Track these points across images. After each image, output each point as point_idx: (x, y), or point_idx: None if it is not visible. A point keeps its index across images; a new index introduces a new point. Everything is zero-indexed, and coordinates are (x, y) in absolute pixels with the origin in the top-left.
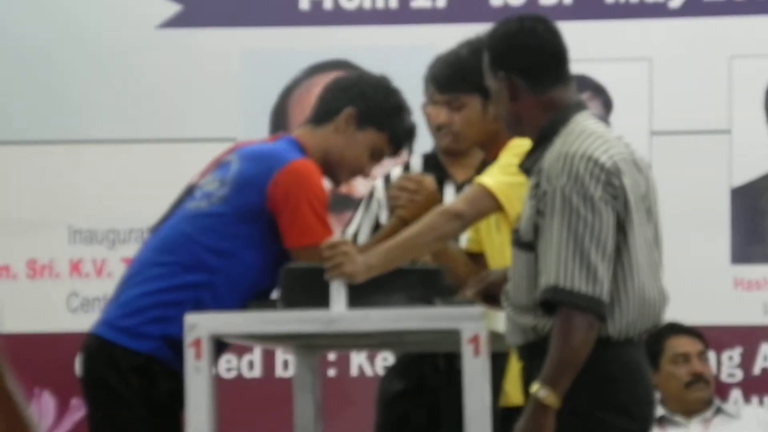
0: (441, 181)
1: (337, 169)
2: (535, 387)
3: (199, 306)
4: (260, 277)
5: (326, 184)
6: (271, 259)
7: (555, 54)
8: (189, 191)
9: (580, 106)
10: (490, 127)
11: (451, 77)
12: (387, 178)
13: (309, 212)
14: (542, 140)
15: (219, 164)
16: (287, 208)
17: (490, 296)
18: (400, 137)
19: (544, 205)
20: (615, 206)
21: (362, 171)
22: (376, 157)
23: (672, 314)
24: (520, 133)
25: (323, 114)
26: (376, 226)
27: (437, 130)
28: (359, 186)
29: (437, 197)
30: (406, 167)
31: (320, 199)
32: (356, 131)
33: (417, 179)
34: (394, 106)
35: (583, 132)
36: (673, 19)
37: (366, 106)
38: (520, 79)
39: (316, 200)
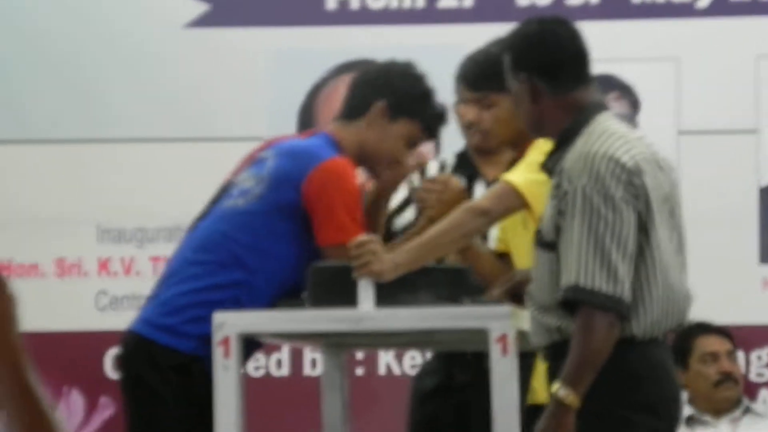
0: (472, 179)
1: (374, 162)
2: (556, 386)
3: (238, 304)
4: (295, 274)
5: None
6: (306, 256)
7: (576, 55)
8: (225, 189)
9: (601, 107)
10: (520, 125)
11: (481, 75)
12: (422, 171)
13: (342, 211)
14: (564, 141)
15: (254, 161)
16: (321, 206)
17: (517, 296)
18: (432, 123)
19: (566, 204)
20: (636, 206)
21: (399, 161)
22: (412, 145)
23: (700, 314)
24: (542, 134)
25: (354, 109)
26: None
27: (467, 128)
28: None
29: (464, 196)
30: (442, 167)
31: (354, 198)
32: (389, 123)
33: (443, 180)
34: (423, 92)
35: (605, 132)
36: (700, 19)
37: (396, 98)
38: (542, 80)
39: (351, 199)
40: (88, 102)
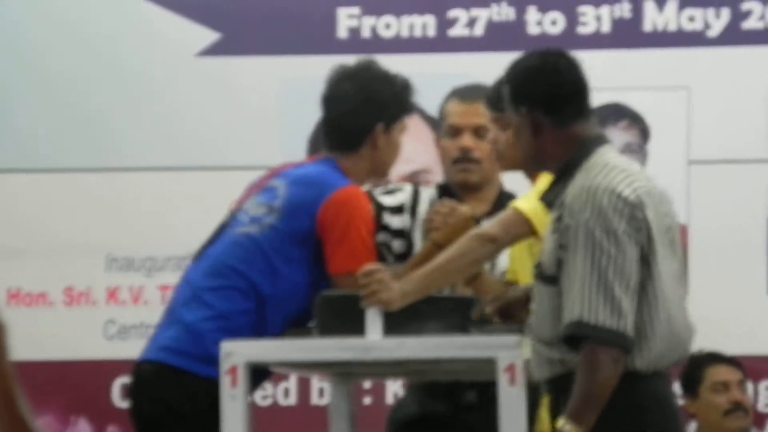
0: None
1: (384, 171)
2: (561, 422)
3: (256, 330)
4: (305, 302)
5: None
6: (316, 284)
7: (576, 89)
8: (232, 216)
9: (602, 140)
10: None
11: (501, 96)
12: (416, 197)
13: (357, 239)
14: (564, 174)
15: (262, 188)
16: (335, 234)
17: (508, 314)
18: (411, 105)
19: (567, 239)
20: (638, 239)
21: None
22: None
23: (708, 343)
24: (543, 168)
25: (355, 139)
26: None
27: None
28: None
29: (471, 224)
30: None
31: (368, 228)
32: (389, 136)
33: (451, 204)
34: (399, 89)
35: (606, 165)
36: (711, 48)
37: (388, 113)
38: (542, 114)
39: (365, 228)
40: (97, 131)
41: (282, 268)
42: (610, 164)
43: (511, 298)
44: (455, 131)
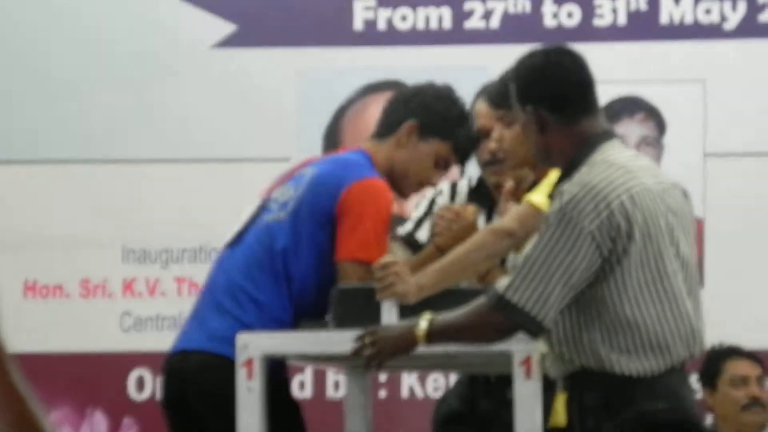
0: (491, 211)
1: (402, 181)
2: (425, 321)
3: (296, 320)
4: (323, 288)
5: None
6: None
7: (582, 85)
8: (263, 206)
9: (608, 135)
10: None
11: (503, 93)
12: (454, 187)
13: (371, 229)
14: (569, 170)
15: (291, 177)
16: (350, 219)
17: None
18: (463, 146)
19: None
20: (606, 246)
21: (429, 182)
22: (442, 166)
23: (727, 337)
24: (550, 164)
25: (387, 127)
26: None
27: (484, 165)
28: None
29: (476, 228)
30: (453, 188)
31: (384, 222)
32: (419, 143)
33: (456, 209)
34: (457, 115)
35: (605, 162)
36: (727, 41)
37: (428, 117)
38: (548, 112)
39: (381, 221)
40: (113, 122)
41: (307, 245)
42: (609, 161)
43: None
44: (485, 133)
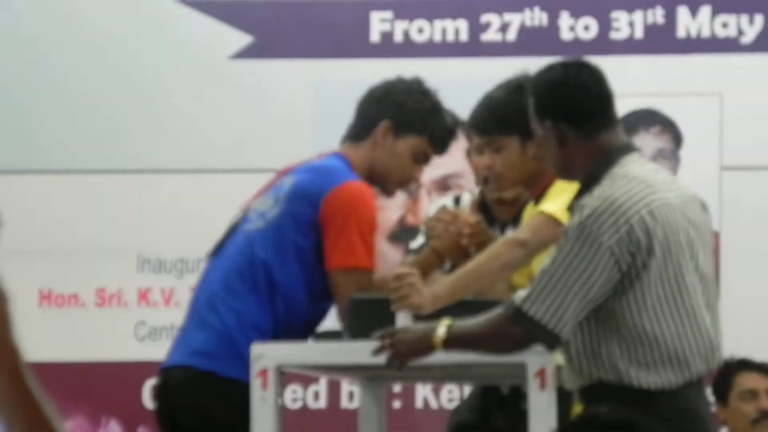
0: (491, 223)
1: (384, 181)
2: (444, 326)
3: (276, 325)
4: (314, 297)
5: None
6: (319, 281)
7: (601, 99)
8: (243, 214)
9: (628, 149)
10: (531, 166)
11: (488, 120)
12: (457, 200)
13: (356, 234)
14: (589, 184)
15: (271, 187)
16: (335, 227)
17: None
18: (440, 137)
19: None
20: (624, 260)
21: (410, 178)
22: (421, 160)
23: (739, 350)
24: (571, 178)
25: (362, 129)
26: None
27: (483, 183)
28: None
29: (480, 231)
30: (457, 200)
31: (369, 225)
32: (395, 141)
33: (453, 212)
34: (429, 107)
35: (625, 176)
36: (744, 54)
37: (401, 115)
38: (568, 126)
39: (366, 225)
40: (129, 133)
41: (292, 254)
42: (630, 175)
43: None
44: (483, 150)
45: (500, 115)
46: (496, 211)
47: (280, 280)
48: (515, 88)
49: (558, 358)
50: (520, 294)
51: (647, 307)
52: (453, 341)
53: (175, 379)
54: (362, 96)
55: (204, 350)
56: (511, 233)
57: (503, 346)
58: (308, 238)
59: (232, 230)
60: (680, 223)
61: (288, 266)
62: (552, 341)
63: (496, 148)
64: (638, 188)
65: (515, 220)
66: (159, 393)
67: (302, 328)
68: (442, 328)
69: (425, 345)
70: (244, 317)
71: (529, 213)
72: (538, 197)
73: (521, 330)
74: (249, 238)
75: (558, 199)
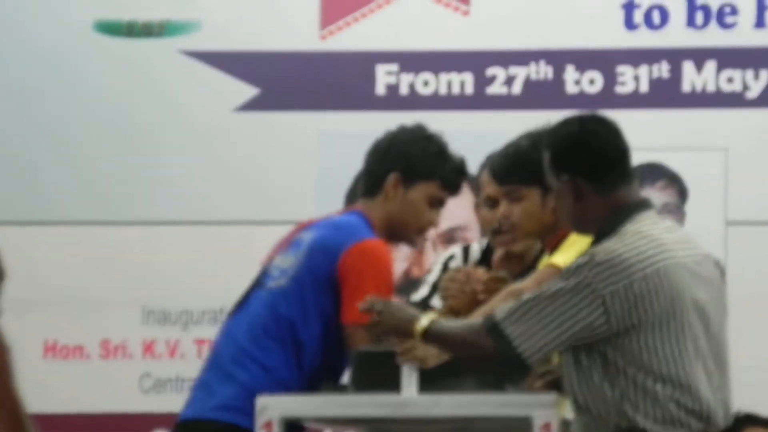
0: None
1: (404, 232)
2: (428, 318)
3: (301, 381)
4: (332, 350)
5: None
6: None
7: (617, 155)
8: (264, 272)
9: (644, 205)
10: (548, 219)
11: (511, 169)
12: (466, 249)
13: (373, 290)
14: (599, 238)
15: (290, 243)
16: (352, 282)
17: (560, 386)
18: (450, 179)
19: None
20: (612, 312)
21: (429, 224)
22: (436, 205)
23: (749, 405)
24: (585, 231)
25: (372, 185)
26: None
27: (494, 233)
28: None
29: (492, 288)
30: (465, 250)
31: (387, 284)
32: (407, 191)
33: (466, 272)
34: (435, 151)
35: (637, 233)
36: (750, 109)
37: (407, 164)
38: (586, 181)
39: (383, 283)
40: (134, 184)
41: (313, 314)
42: (642, 232)
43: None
44: (492, 202)
45: (524, 166)
46: (502, 266)
47: (304, 339)
48: (540, 139)
49: (564, 412)
50: (504, 308)
51: (653, 365)
52: (431, 335)
53: None
54: (368, 150)
55: (232, 405)
56: (515, 284)
57: (473, 353)
58: (327, 295)
59: (255, 286)
60: (689, 284)
61: (311, 324)
62: (517, 363)
63: (516, 197)
64: (648, 246)
65: (523, 274)
66: None
67: (319, 379)
68: (425, 320)
69: (406, 329)
70: (271, 373)
71: (543, 264)
72: (553, 249)
73: (492, 344)
74: (273, 294)
75: (570, 250)
